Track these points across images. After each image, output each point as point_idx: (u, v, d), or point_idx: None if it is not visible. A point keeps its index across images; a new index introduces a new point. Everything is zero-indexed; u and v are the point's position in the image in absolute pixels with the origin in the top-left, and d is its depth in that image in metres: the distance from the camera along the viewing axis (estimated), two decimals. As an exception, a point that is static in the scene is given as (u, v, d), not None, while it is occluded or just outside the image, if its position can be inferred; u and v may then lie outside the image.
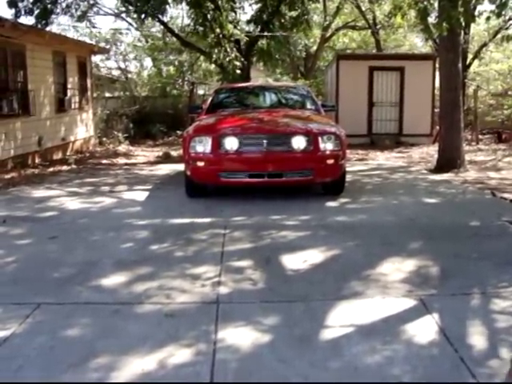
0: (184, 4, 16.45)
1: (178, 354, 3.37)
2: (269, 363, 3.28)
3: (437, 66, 15.70)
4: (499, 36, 18.29)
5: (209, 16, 14.19)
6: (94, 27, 22.99)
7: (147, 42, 27.05)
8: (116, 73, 28.01)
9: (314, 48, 28.93)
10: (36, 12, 12.43)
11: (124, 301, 4.25)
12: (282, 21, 17.26)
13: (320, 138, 7.82)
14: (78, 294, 4.39)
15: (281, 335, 3.62)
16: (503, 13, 10.04)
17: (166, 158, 14.56)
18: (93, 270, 4.94)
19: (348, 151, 9.26)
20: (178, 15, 25.38)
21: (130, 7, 15.82)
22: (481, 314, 3.92)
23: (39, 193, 9.06)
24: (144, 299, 4.26)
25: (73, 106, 15.92)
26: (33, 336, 3.63)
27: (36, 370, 3.22)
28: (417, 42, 32.35)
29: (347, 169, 8.64)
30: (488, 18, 10.67)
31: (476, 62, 22.88)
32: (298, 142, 7.77)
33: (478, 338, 3.52)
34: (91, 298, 4.32)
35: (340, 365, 3.25)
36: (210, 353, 3.39)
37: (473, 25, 17.81)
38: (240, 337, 3.59)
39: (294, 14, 17.07)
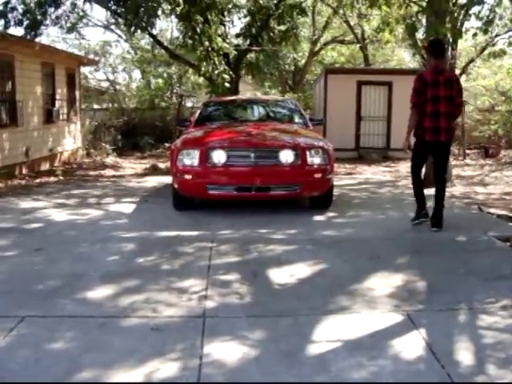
0: (173, 17, 16.50)
1: (164, 369, 3.34)
2: (255, 378, 3.26)
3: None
4: (486, 52, 18.44)
5: (198, 29, 14.20)
6: (83, 39, 23.13)
7: (136, 54, 27.11)
8: (105, 84, 28.02)
9: (303, 62, 29.08)
10: (25, 23, 12.41)
11: (110, 314, 4.21)
12: (271, 35, 17.35)
13: (308, 152, 7.83)
14: (64, 306, 4.35)
15: (267, 350, 3.60)
16: (490, 29, 10.16)
17: (154, 171, 14.52)
18: (78, 283, 4.91)
19: (336, 165, 9.28)
20: (168, 28, 25.59)
21: (120, 19, 15.84)
22: (468, 330, 3.93)
23: (25, 204, 9.00)
24: (130, 313, 4.23)
25: (61, 118, 15.87)
26: (17, 349, 3.58)
27: (19, 385, 3.19)
28: (405, 57, 32.56)
29: (335, 183, 8.65)
30: (475, 35, 10.78)
31: (463, 77, 23.00)
32: (286, 156, 7.77)
33: (464, 354, 3.52)
34: (76, 311, 4.28)
35: (327, 380, 3.24)
36: (195, 367, 3.37)
37: (460, 41, 17.95)
38: (226, 351, 3.56)
39: (282, 28, 17.17)
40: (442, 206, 6.79)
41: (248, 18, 17.26)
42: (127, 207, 8.64)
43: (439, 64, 6.77)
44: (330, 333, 3.86)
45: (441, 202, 6.78)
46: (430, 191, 10.30)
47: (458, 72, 21.52)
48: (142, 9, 12.50)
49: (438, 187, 6.86)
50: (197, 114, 10.01)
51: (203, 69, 14.75)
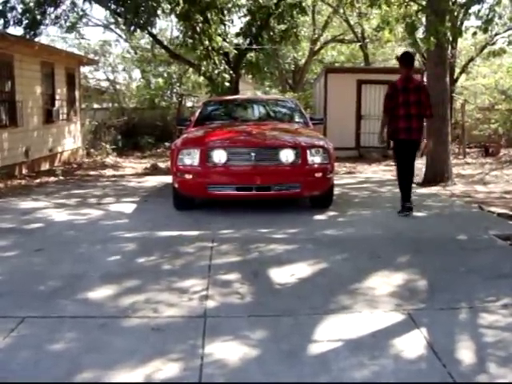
0: (173, 16, 16.51)
1: (165, 369, 3.34)
2: (256, 378, 3.26)
3: (424, 79, 15.79)
4: (486, 51, 18.45)
5: (198, 28, 14.23)
6: (82, 38, 23.11)
7: (136, 53, 27.09)
8: (104, 84, 28.00)
9: (303, 61, 29.08)
10: (25, 22, 12.42)
11: (110, 314, 4.20)
12: (271, 34, 17.37)
13: (308, 152, 7.82)
14: (64, 307, 4.34)
15: (268, 350, 3.59)
16: (489, 28, 10.15)
17: (154, 170, 14.52)
18: (79, 283, 4.90)
19: (336, 164, 9.28)
20: (167, 27, 25.59)
21: (120, 19, 15.85)
22: (469, 329, 3.92)
23: (26, 204, 8.99)
24: (131, 313, 4.22)
25: (61, 117, 15.86)
26: (17, 350, 3.58)
27: (20, 385, 3.18)
28: (405, 56, 32.50)
29: (335, 182, 8.64)
30: (475, 33, 10.77)
31: (463, 76, 23.07)
32: (286, 156, 7.76)
33: (466, 353, 3.52)
34: (77, 311, 4.27)
35: (328, 380, 3.23)
36: (197, 368, 3.36)
37: (460, 39, 17.98)
38: (227, 351, 3.56)
39: (282, 27, 17.19)
40: (410, 189, 7.92)
41: (248, 17, 17.28)
42: (127, 207, 8.63)
43: (409, 73, 7.77)
44: (331, 332, 3.86)
45: (409, 185, 7.91)
46: (430, 190, 10.35)
47: (457, 71, 21.67)
48: (142, 8, 12.53)
49: (408, 176, 7.93)
50: (197, 114, 9.99)
51: (203, 68, 14.78)
